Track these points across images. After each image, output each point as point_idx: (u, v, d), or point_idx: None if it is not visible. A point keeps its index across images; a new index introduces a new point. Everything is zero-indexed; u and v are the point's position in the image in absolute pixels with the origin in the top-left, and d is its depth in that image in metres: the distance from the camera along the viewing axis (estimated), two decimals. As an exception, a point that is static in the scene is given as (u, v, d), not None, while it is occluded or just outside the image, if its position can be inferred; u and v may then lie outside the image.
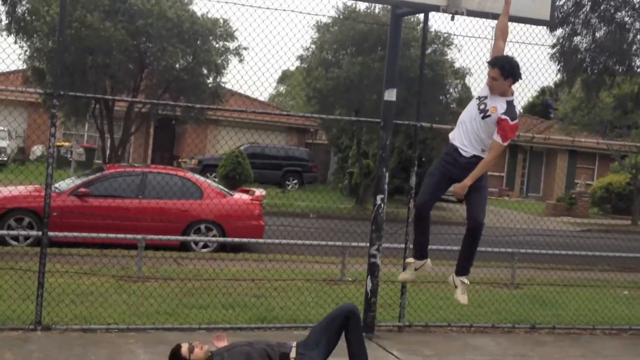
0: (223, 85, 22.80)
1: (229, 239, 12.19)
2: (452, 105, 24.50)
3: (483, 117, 5.97)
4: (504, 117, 5.87)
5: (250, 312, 8.26)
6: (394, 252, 10.83)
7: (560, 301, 10.11)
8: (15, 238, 12.28)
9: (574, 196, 29.91)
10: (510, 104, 5.93)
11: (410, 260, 6.45)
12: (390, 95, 7.87)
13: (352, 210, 23.30)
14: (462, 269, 6.23)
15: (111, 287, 8.90)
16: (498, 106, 5.92)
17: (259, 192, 15.15)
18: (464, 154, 6.02)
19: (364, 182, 25.14)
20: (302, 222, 15.66)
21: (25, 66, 21.82)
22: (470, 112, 6.08)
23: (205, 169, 27.90)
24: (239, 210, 13.72)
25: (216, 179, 22.67)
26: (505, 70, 5.88)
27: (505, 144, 5.92)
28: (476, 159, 5.96)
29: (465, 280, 6.23)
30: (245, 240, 11.95)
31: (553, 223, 18.66)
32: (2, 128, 26.60)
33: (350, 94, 22.58)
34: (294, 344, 5.85)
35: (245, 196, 14.67)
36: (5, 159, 26.60)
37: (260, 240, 12.24)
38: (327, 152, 36.47)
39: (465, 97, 24.67)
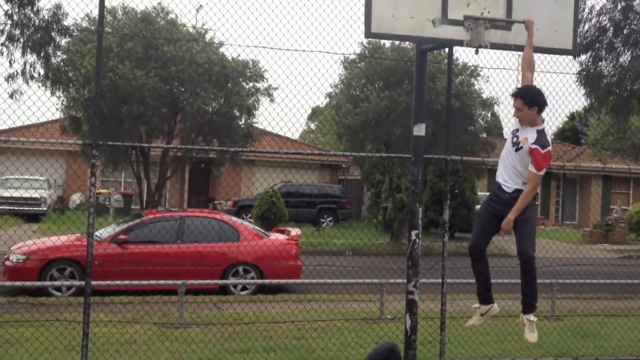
0: (255, 125, 23.12)
1: (268, 281, 12.28)
2: (481, 135, 24.49)
3: (516, 150, 6.09)
4: (534, 146, 5.96)
5: (292, 354, 8.30)
6: (432, 288, 10.83)
7: (602, 332, 10.00)
8: (58, 288, 12.47)
9: (610, 222, 29.55)
10: (540, 133, 6.02)
11: (476, 305, 6.52)
12: (420, 130, 7.93)
13: (388, 246, 23.27)
14: (526, 306, 6.23)
15: (154, 335, 9.01)
16: (529, 137, 6.03)
17: (295, 231, 15.24)
18: (506, 189, 6.13)
19: (398, 216, 25.13)
20: (338, 260, 15.72)
21: (62, 115, 22.33)
22: (506, 147, 6.24)
23: (240, 210, 28.12)
24: (276, 251, 13.83)
25: (251, 220, 22.85)
26: (527, 99, 6.04)
27: (541, 173, 5.97)
28: (518, 193, 6.05)
29: (531, 318, 6.19)
30: (283, 281, 12.04)
31: (591, 251, 18.49)
32: (41, 178, 27.10)
33: (379, 129, 22.71)
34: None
35: (281, 236, 14.78)
36: (45, 208, 27.04)
37: (299, 281, 12.31)
38: (360, 187, 36.53)
39: (494, 126, 24.70)
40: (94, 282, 7.93)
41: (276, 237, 14.72)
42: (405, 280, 8.37)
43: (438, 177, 26.32)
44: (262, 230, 15.33)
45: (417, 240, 7.84)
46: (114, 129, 19.71)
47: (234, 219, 15.39)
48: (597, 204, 38.19)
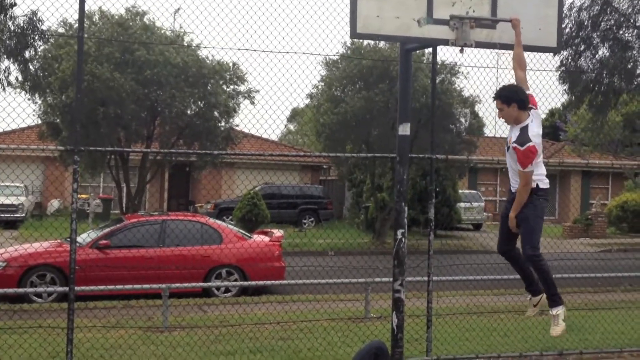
0: (235, 127, 23.05)
1: (253, 283, 12.23)
2: (463, 134, 24.58)
3: (507, 150, 6.24)
4: (514, 145, 6.05)
5: (278, 355, 8.27)
6: (417, 286, 10.85)
7: (586, 325, 10.05)
8: (39, 295, 12.35)
9: (590, 217, 29.80)
10: (523, 129, 6.07)
11: (528, 298, 6.67)
12: (405, 129, 7.93)
13: (371, 245, 23.31)
14: (550, 302, 6.34)
15: (139, 339, 8.93)
16: (512, 135, 6.13)
17: (278, 233, 15.20)
18: (512, 190, 6.27)
19: (380, 216, 25.17)
20: (322, 260, 15.69)
21: (39, 121, 22.15)
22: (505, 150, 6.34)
23: (221, 212, 28.05)
24: (259, 253, 13.79)
25: (233, 222, 22.77)
26: (503, 97, 6.14)
27: (526, 169, 6.01)
28: None
29: (554, 312, 6.30)
30: (269, 282, 12.00)
31: (571, 245, 18.62)
32: (18, 184, 26.85)
33: (358, 129, 22.74)
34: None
35: (264, 238, 14.74)
36: (24, 215, 26.79)
37: (284, 282, 12.27)
38: (341, 187, 36.57)
39: (476, 125, 24.80)
40: (77, 288, 7.85)
41: (259, 238, 14.67)
42: (389, 279, 8.38)
43: (420, 176, 26.38)
44: (244, 232, 15.28)
45: (403, 239, 7.84)
46: (92, 133, 19.59)
47: (216, 221, 15.33)
48: (576, 198, 38.49)
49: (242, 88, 22.52)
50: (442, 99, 22.15)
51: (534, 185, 6.10)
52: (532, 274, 6.46)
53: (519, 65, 6.40)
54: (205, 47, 24.44)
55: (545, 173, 6.24)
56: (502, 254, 6.52)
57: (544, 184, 6.18)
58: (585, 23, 16.22)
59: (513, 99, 6.12)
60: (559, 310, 6.25)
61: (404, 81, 8.03)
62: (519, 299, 11.19)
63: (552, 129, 45.35)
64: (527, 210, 6.13)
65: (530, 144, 6.01)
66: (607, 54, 16.22)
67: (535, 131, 6.11)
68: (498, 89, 6.33)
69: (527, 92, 6.25)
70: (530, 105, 6.19)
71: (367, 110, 22.11)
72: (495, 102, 6.22)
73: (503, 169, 38.29)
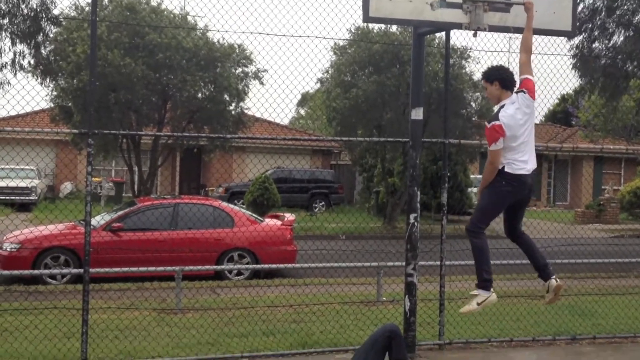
0: (246, 111, 23.04)
1: (267, 266, 12.27)
2: (473, 119, 24.50)
3: None
4: (485, 122, 6.22)
5: (291, 337, 8.31)
6: (430, 270, 10.87)
7: (599, 310, 10.06)
8: (53, 277, 12.45)
9: (602, 202, 29.71)
10: (499, 108, 6.15)
11: (542, 284, 6.60)
12: (417, 114, 7.94)
13: (381, 230, 23.32)
14: (478, 282, 6.26)
15: (153, 320, 9.01)
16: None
17: (289, 216, 15.24)
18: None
19: (391, 200, 25.17)
20: (333, 244, 15.73)
21: (50, 105, 22.19)
22: None
23: (232, 196, 28.12)
24: (272, 237, 13.84)
25: (244, 206, 22.83)
26: (485, 76, 6.26)
27: (491, 147, 6.04)
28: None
29: (474, 291, 6.25)
30: (282, 266, 12.04)
31: (583, 231, 18.57)
32: (31, 167, 26.98)
33: (370, 113, 22.70)
34: (339, 367, 5.92)
35: (276, 222, 14.77)
36: (36, 197, 26.94)
37: (296, 265, 12.30)
38: (352, 172, 36.55)
39: (486, 109, 24.71)
40: (92, 270, 7.90)
41: (271, 222, 14.71)
42: (402, 263, 8.40)
43: (430, 161, 26.35)
44: (256, 216, 15.32)
45: (416, 223, 7.86)
46: (104, 117, 19.63)
47: (228, 205, 15.37)
48: (588, 184, 38.37)
49: (251, 69, 22.47)
50: (453, 84, 22.06)
51: (500, 167, 6.07)
52: (538, 260, 6.41)
53: (525, 49, 6.40)
54: (215, 31, 24.42)
55: (522, 159, 6.10)
56: (510, 238, 6.52)
57: (513, 169, 6.07)
58: (600, 8, 16.11)
59: (494, 76, 6.19)
60: (480, 292, 6.16)
61: (417, 65, 8.02)
62: (531, 283, 11.19)
63: (565, 114, 45.19)
64: (488, 189, 6.16)
65: (497, 122, 6.03)
66: (622, 39, 16.10)
67: (509, 112, 6.08)
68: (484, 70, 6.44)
69: (529, 77, 6.23)
70: (521, 89, 6.18)
71: (379, 95, 22.07)
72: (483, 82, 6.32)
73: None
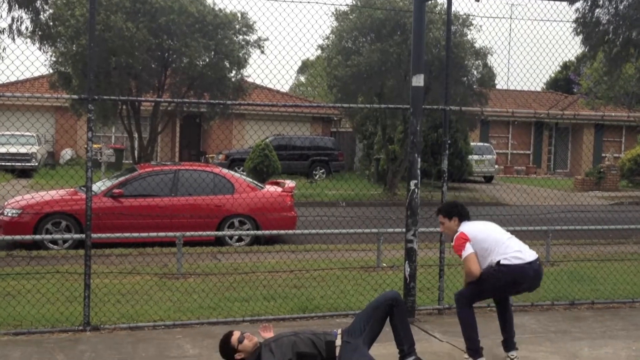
0: (246, 78, 22.97)
1: (267, 232, 12.33)
2: (474, 87, 24.44)
3: None
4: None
5: (292, 302, 8.39)
6: (430, 237, 10.93)
7: (598, 276, 10.14)
8: (55, 242, 12.51)
9: (602, 170, 29.75)
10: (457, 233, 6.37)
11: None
12: (418, 80, 7.93)
13: (382, 196, 23.38)
14: (467, 350, 6.35)
15: (155, 285, 9.07)
16: None
17: (290, 183, 15.26)
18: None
19: (391, 167, 25.19)
20: (333, 211, 15.77)
21: (49, 71, 22.10)
22: None
23: (232, 163, 28.14)
24: (272, 203, 13.87)
25: (244, 173, 22.85)
26: (443, 212, 6.53)
27: (462, 257, 6.21)
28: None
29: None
30: (282, 232, 12.09)
31: (583, 198, 18.62)
32: (31, 134, 26.96)
33: (371, 80, 22.62)
34: (339, 331, 5.96)
35: (276, 188, 14.80)
36: (36, 164, 26.97)
37: (297, 232, 12.36)
38: (352, 139, 36.54)
39: (487, 77, 24.61)
40: (94, 235, 7.95)
41: (271, 189, 14.74)
42: (402, 230, 8.45)
43: (431, 128, 26.32)
44: (256, 183, 15.35)
45: (416, 190, 7.89)
46: (103, 83, 19.55)
47: (229, 171, 15.38)
48: (589, 152, 38.37)
49: (252, 37, 22.37)
50: (454, 51, 21.96)
51: (494, 261, 6.13)
52: (509, 331, 6.45)
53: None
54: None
55: (516, 250, 6.17)
56: (495, 300, 6.58)
57: (510, 260, 6.11)
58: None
59: (454, 213, 6.43)
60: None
61: (418, 32, 8.00)
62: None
63: (566, 82, 45.05)
64: (488, 277, 6.18)
65: (458, 233, 6.27)
66: (625, 4, 15.97)
67: (466, 226, 6.33)
68: (441, 205, 6.73)
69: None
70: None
71: (381, 63, 21.97)
72: (439, 217, 6.54)
73: (515, 122, 38.23)
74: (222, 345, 5.84)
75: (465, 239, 6.16)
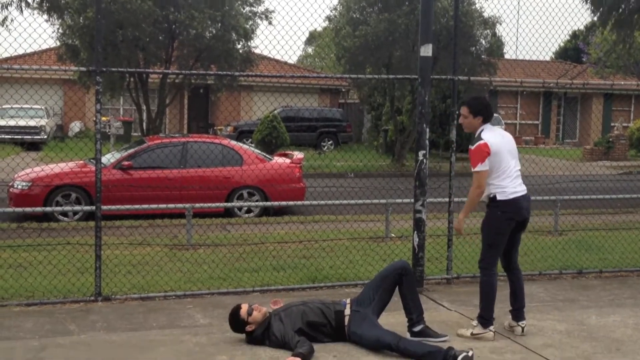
0: (253, 49, 22.91)
1: (276, 203, 12.36)
2: (482, 56, 24.30)
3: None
4: (469, 147, 6.16)
5: (301, 272, 8.43)
6: (438, 207, 10.95)
7: (606, 245, 10.15)
8: (65, 214, 12.59)
9: (611, 139, 29.63)
10: (477, 135, 6.16)
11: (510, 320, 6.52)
12: (426, 50, 7.90)
13: (390, 167, 23.39)
14: (479, 318, 6.27)
15: (165, 256, 9.14)
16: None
17: (298, 154, 15.28)
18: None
19: (399, 138, 25.16)
20: (342, 182, 15.79)
21: (57, 43, 22.08)
22: None
23: (241, 135, 28.14)
24: (281, 174, 13.90)
25: (252, 144, 22.87)
26: (470, 106, 6.21)
27: (476, 168, 6.02)
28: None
29: (476, 330, 6.23)
30: (291, 203, 12.13)
31: (592, 168, 18.56)
32: (40, 106, 27.00)
33: (379, 51, 22.52)
34: (348, 300, 6.02)
35: (284, 160, 14.83)
36: (45, 137, 27.04)
37: (306, 203, 12.38)
38: (360, 111, 36.45)
39: (496, 47, 24.47)
40: (104, 207, 8.00)
41: (280, 160, 14.76)
42: (410, 200, 8.46)
43: (439, 99, 26.23)
44: (265, 154, 15.37)
45: (425, 160, 7.90)
46: (111, 55, 19.52)
47: (237, 143, 15.40)
48: (598, 121, 38.19)
49: (259, 9, 22.27)
50: (462, 21, 21.81)
51: (490, 195, 6.06)
52: (519, 301, 6.37)
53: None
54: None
55: (512, 184, 6.07)
56: (505, 269, 6.45)
57: (506, 195, 6.04)
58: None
59: (482, 112, 6.18)
60: (480, 330, 6.18)
61: (426, 1, 7.95)
62: (539, 219, 11.30)
63: (575, 51, 44.72)
64: (485, 220, 6.14)
65: (482, 141, 6.04)
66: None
67: (492, 134, 6.13)
68: (469, 97, 6.41)
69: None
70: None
71: (389, 33, 21.86)
72: (462, 107, 6.27)
73: (524, 92, 38.04)
74: (232, 319, 5.92)
75: (487, 152, 5.99)
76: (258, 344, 5.81)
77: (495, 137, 6.10)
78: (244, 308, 5.87)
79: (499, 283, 6.25)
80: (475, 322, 6.24)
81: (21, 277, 7.79)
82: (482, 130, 6.15)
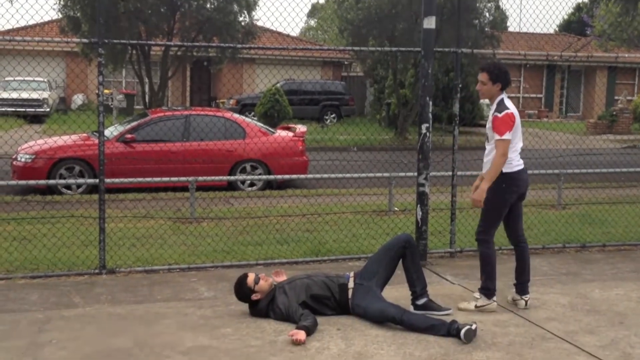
0: (255, 21, 22.80)
1: (279, 176, 12.35)
2: (486, 29, 24.16)
3: (487, 130, 6.26)
4: (493, 115, 6.06)
5: (305, 246, 8.45)
6: (441, 180, 10.95)
7: (609, 219, 10.15)
8: (68, 187, 12.61)
9: (615, 113, 29.51)
10: (499, 102, 6.09)
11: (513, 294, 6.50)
12: (430, 22, 7.85)
13: (393, 141, 23.35)
14: (480, 289, 6.27)
15: (169, 229, 9.16)
16: (490, 112, 6.17)
17: (301, 128, 15.25)
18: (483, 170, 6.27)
19: (402, 112, 25.09)
20: (345, 155, 15.78)
21: (59, 15, 21.97)
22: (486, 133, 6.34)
23: (243, 108, 28.07)
24: (283, 147, 13.87)
25: (255, 118, 22.82)
26: (493, 74, 6.09)
27: (504, 137, 5.94)
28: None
29: (479, 302, 6.23)
30: (294, 176, 12.12)
31: (595, 141, 18.53)
32: (42, 79, 26.91)
33: (382, 24, 22.39)
34: (352, 274, 6.04)
35: (287, 133, 14.80)
36: (48, 109, 26.99)
37: (310, 176, 12.38)
38: (363, 84, 36.30)
39: (499, 20, 24.31)
40: (108, 180, 8.00)
41: (282, 133, 14.74)
42: (413, 174, 8.46)
43: (442, 72, 26.12)
44: (267, 128, 15.34)
45: (428, 133, 7.88)
46: (113, 27, 19.43)
47: (240, 116, 15.36)
48: (602, 95, 38.04)
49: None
50: (466, -8, 21.69)
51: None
52: (524, 275, 6.35)
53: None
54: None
55: (517, 159, 6.07)
56: (511, 242, 6.43)
57: (512, 167, 6.03)
58: None
59: (502, 79, 6.10)
60: (481, 297, 6.20)
61: (431, -29, 7.87)
62: (542, 193, 11.29)
63: (579, 24, 44.41)
64: (488, 192, 6.03)
65: (510, 111, 6.00)
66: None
67: (512, 107, 6.09)
68: (486, 62, 6.31)
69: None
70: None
71: (392, 5, 21.73)
72: (481, 74, 6.16)
73: (527, 65, 37.84)
74: (238, 288, 5.93)
75: (513, 122, 5.98)
76: (262, 316, 5.84)
77: (515, 110, 6.13)
78: (251, 277, 5.89)
79: (502, 257, 6.27)
80: (478, 295, 6.25)
81: (26, 249, 7.82)
82: (503, 99, 6.11)
